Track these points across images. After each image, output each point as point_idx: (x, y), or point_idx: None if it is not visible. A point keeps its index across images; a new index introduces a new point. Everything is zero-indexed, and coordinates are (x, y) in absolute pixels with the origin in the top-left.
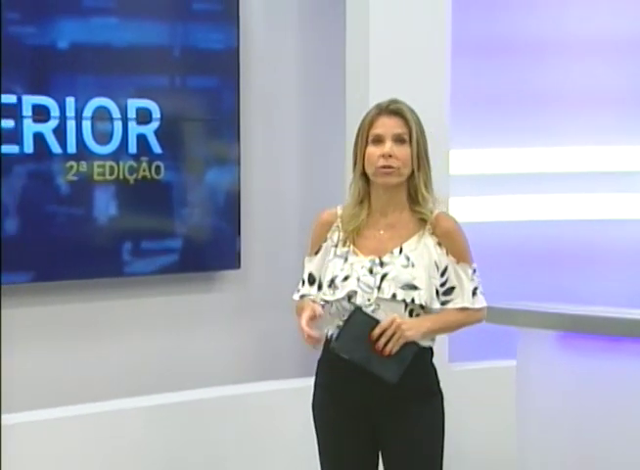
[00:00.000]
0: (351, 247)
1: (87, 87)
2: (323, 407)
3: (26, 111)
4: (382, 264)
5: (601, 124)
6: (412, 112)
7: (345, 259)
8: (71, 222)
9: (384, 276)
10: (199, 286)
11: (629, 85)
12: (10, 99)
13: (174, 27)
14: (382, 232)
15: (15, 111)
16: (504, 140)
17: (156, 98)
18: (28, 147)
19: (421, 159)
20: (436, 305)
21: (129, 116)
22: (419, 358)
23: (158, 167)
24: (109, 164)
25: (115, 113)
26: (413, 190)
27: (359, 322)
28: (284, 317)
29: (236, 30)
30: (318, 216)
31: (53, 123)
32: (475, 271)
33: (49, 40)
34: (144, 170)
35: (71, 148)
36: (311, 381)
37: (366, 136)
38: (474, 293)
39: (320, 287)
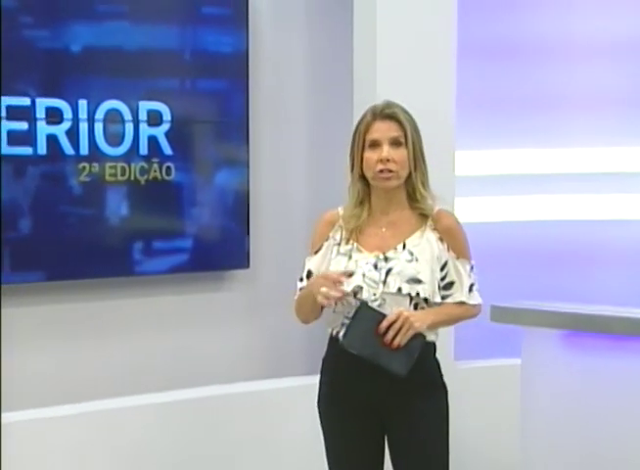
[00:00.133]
0: (355, 244)
1: (99, 90)
2: (329, 404)
3: (40, 113)
4: (386, 260)
5: (605, 126)
6: (406, 113)
7: (350, 257)
8: (84, 222)
9: (389, 271)
10: (208, 285)
11: (633, 87)
12: (24, 101)
13: (185, 31)
14: (384, 230)
15: (29, 113)
16: (509, 141)
17: (166, 100)
18: (42, 148)
19: (417, 159)
20: (438, 299)
21: (140, 118)
22: (423, 353)
23: (168, 169)
24: (120, 165)
25: (127, 115)
26: (411, 189)
27: (366, 317)
28: (292, 316)
29: (245, 34)
30: (320, 217)
31: (66, 125)
32: (472, 268)
33: (62, 44)
34: (155, 171)
35: (84, 149)
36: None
37: (362, 141)
38: (470, 289)
39: None
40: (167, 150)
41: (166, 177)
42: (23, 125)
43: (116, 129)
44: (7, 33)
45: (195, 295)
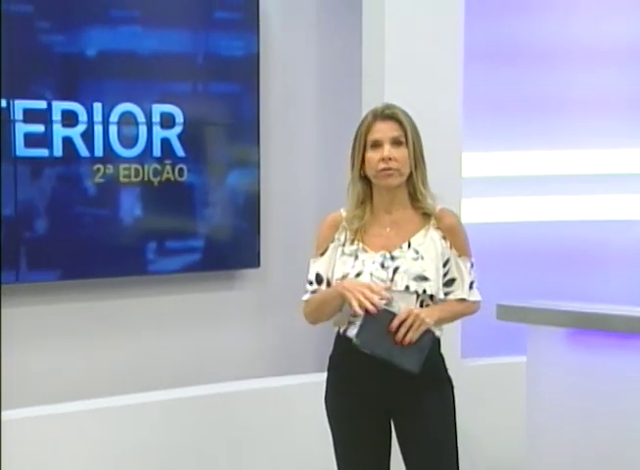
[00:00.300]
0: (360, 244)
1: (114, 93)
2: (335, 401)
3: (56, 116)
4: (392, 259)
5: (609, 128)
6: (406, 114)
7: (356, 257)
8: (98, 223)
9: (396, 269)
10: (220, 284)
11: (637, 90)
12: (40, 105)
13: (197, 35)
14: (388, 229)
15: (45, 116)
16: (515, 143)
17: (179, 103)
18: (58, 151)
19: (417, 158)
20: (442, 296)
21: (154, 120)
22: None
23: (181, 170)
24: (134, 166)
25: (141, 117)
26: (413, 188)
27: (377, 316)
28: (301, 314)
29: (256, 38)
30: (324, 219)
31: (81, 128)
32: (472, 265)
33: (78, 48)
34: (168, 173)
35: (99, 151)
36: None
37: (364, 142)
38: (470, 286)
39: (329, 285)
40: (180, 152)
41: (179, 178)
42: (40, 128)
43: (130, 132)
44: (24, 38)
45: (206, 294)
